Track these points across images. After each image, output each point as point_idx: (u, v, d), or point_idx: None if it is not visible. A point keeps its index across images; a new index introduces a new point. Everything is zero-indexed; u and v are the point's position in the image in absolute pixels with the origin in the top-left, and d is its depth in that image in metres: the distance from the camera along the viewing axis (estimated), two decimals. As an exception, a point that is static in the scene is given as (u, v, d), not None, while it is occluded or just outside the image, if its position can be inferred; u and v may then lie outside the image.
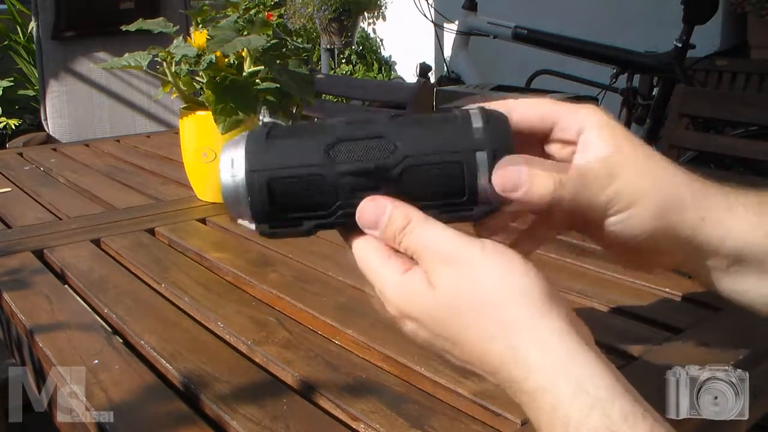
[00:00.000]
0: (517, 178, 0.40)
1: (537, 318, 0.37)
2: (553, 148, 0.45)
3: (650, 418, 0.34)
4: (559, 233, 0.50)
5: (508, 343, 0.37)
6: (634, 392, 0.35)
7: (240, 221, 0.44)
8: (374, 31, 4.96)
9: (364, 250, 0.43)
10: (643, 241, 0.43)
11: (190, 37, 1.01)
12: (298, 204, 0.42)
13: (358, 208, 0.42)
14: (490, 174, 0.41)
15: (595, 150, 0.42)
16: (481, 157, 0.41)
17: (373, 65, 4.81)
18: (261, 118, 0.45)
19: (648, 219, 0.42)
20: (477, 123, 0.42)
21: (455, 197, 0.42)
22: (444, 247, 0.40)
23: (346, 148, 0.42)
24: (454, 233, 0.40)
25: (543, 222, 0.47)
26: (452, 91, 1.00)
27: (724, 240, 0.43)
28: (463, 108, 0.43)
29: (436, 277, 0.39)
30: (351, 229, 0.43)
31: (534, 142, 0.45)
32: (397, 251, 0.42)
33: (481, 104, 0.43)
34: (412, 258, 0.42)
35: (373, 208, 0.42)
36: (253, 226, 0.44)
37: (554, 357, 0.36)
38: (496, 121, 0.42)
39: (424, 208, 0.42)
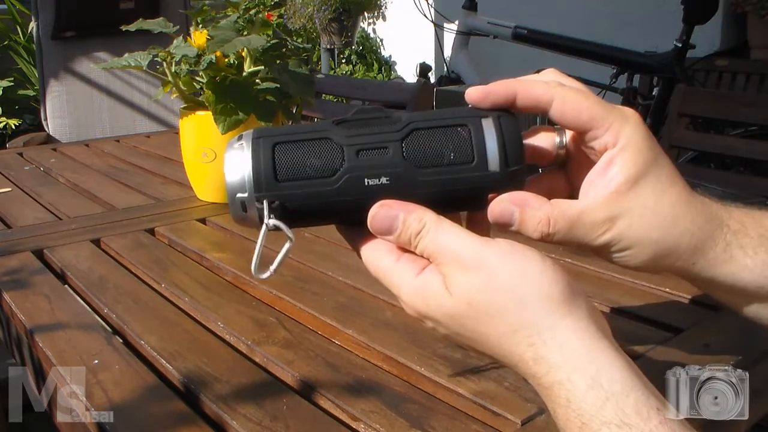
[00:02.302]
0: (509, 216, 0.42)
1: (556, 317, 0.38)
2: (581, 142, 0.45)
3: (664, 412, 0.35)
4: None
5: (528, 342, 0.38)
6: (650, 386, 0.36)
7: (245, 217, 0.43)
8: (374, 31, 4.96)
9: (373, 255, 0.43)
10: (645, 268, 0.44)
11: (190, 37, 1.01)
12: (304, 167, 0.41)
13: (370, 214, 0.41)
14: (498, 141, 0.41)
15: (609, 178, 0.42)
16: (487, 122, 0.42)
17: (373, 65, 4.81)
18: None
19: (641, 260, 0.43)
20: (493, 162, 0.42)
21: (465, 163, 0.41)
22: (460, 251, 0.39)
23: (352, 122, 0.42)
24: (469, 235, 0.40)
25: None
26: (452, 91, 1.00)
27: (721, 278, 0.44)
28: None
29: (453, 282, 0.39)
30: (356, 211, 0.42)
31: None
32: (407, 250, 0.42)
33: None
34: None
35: (385, 213, 0.41)
36: (262, 218, 0.42)
37: (572, 353, 0.37)
38: (513, 153, 0.42)
39: (435, 174, 0.41)
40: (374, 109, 0.43)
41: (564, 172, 0.47)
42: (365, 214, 0.42)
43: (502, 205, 0.42)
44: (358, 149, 0.41)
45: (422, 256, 0.41)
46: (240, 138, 0.43)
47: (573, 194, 0.46)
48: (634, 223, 0.42)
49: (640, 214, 0.42)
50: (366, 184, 0.41)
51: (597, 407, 0.35)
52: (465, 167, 0.41)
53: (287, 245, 0.43)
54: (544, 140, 0.46)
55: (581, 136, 0.43)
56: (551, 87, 0.43)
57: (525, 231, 0.42)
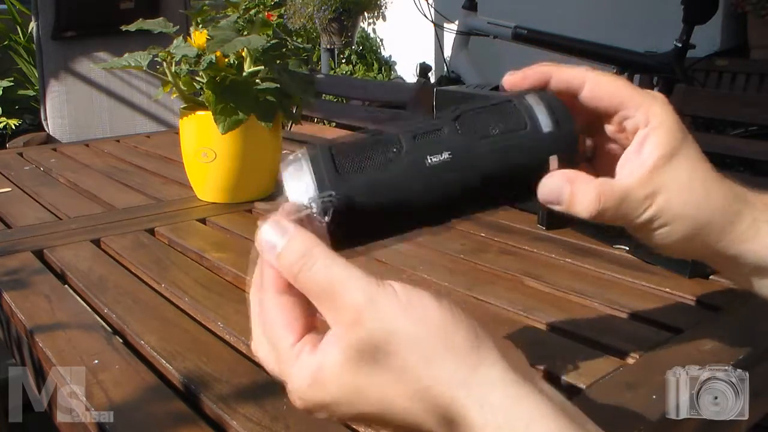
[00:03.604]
0: (559, 193, 0.42)
1: (467, 370, 0.33)
2: (610, 128, 0.46)
3: None
4: None
5: (442, 403, 0.33)
6: (585, 425, 0.33)
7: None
8: (374, 31, 4.96)
9: (271, 315, 0.38)
10: (678, 247, 0.44)
11: (190, 37, 1.01)
12: (363, 157, 0.40)
13: (259, 230, 0.37)
14: (546, 106, 0.42)
15: (645, 155, 0.43)
16: (530, 96, 0.43)
17: (373, 65, 4.81)
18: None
19: (678, 237, 0.43)
20: (546, 124, 0.42)
21: (519, 129, 0.42)
22: (351, 298, 0.34)
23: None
24: (359, 275, 0.35)
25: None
26: (452, 91, 1.00)
27: (744, 255, 0.44)
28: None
29: (348, 344, 0.34)
30: (424, 199, 0.41)
31: (595, 118, 0.46)
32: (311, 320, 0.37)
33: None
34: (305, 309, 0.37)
35: (273, 228, 0.37)
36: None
37: (494, 411, 0.32)
38: (561, 114, 0.43)
39: (493, 143, 0.41)
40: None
41: (590, 164, 0.48)
42: (435, 209, 0.41)
43: (552, 181, 0.42)
44: (413, 134, 0.41)
45: (301, 292, 0.36)
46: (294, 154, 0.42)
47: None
48: (672, 198, 0.43)
49: (676, 189, 0.43)
50: (428, 163, 0.41)
51: None
52: (520, 133, 0.42)
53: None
54: None
55: (611, 118, 0.45)
56: (583, 71, 0.44)
57: (576, 207, 0.42)
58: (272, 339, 0.38)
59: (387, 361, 0.34)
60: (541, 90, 0.44)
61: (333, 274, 0.35)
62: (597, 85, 0.44)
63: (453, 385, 0.33)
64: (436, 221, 0.43)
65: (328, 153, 0.40)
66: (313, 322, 0.37)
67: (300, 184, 0.40)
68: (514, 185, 0.43)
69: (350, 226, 0.40)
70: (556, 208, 0.42)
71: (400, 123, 0.43)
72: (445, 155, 0.41)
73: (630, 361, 0.58)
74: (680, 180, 0.43)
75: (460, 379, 0.33)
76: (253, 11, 1.05)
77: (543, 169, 0.42)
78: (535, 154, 0.42)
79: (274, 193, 1.09)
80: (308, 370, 0.35)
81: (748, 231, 0.43)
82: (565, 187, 0.42)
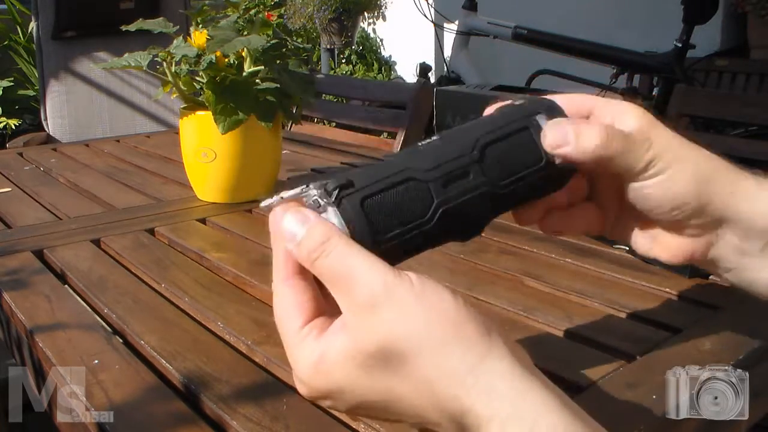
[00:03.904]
0: (564, 133, 0.43)
1: (477, 360, 0.33)
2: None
3: None
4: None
5: (451, 393, 0.33)
6: (588, 421, 0.33)
7: None
8: (374, 31, 4.96)
9: (281, 301, 0.38)
10: (675, 207, 0.44)
11: (190, 37, 1.01)
12: (399, 215, 0.40)
13: (282, 223, 0.38)
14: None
15: (630, 123, 0.44)
16: (541, 118, 0.44)
17: (373, 65, 4.82)
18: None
19: (683, 183, 0.44)
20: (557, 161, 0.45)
21: (536, 163, 0.44)
22: (368, 284, 0.35)
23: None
24: (378, 263, 0.36)
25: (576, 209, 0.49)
26: (452, 91, 1.00)
27: (754, 215, 0.44)
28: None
29: (360, 329, 0.35)
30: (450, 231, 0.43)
31: None
32: (322, 306, 0.38)
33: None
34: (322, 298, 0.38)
35: (294, 217, 0.37)
36: None
37: (502, 401, 0.33)
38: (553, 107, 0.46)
39: (513, 183, 0.43)
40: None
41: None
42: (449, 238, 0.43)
43: (556, 127, 0.43)
44: (444, 181, 0.41)
45: (320, 279, 0.37)
46: (313, 196, 0.38)
47: (591, 192, 0.49)
48: (668, 143, 0.44)
49: (668, 138, 0.44)
50: (453, 208, 0.41)
51: None
52: (538, 168, 0.44)
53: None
54: None
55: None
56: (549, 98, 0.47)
57: (582, 146, 0.42)
58: (280, 321, 0.38)
59: (396, 351, 0.34)
60: (549, 101, 0.46)
61: (351, 261, 0.35)
62: (563, 100, 0.46)
63: (461, 373, 0.33)
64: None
65: (359, 207, 0.38)
66: (323, 307, 0.38)
67: None
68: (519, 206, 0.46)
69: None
70: (563, 150, 0.43)
71: (419, 153, 0.42)
72: (469, 195, 0.42)
73: (630, 361, 0.58)
74: (669, 135, 0.44)
75: (468, 367, 0.33)
76: (253, 11, 1.05)
77: (548, 190, 0.46)
78: (548, 184, 0.45)
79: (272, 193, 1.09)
80: (313, 356, 0.36)
81: (753, 188, 0.44)
82: (570, 128, 0.43)
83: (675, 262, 0.47)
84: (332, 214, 0.38)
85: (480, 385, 0.33)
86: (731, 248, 0.46)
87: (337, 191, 0.38)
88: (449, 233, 0.42)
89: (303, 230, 0.37)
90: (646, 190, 0.44)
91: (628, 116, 0.45)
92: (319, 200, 0.38)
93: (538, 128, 0.44)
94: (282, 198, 0.39)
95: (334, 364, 0.35)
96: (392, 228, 0.39)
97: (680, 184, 0.44)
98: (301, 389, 0.37)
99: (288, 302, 0.38)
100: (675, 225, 0.46)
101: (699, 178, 0.44)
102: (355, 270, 0.35)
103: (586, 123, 0.44)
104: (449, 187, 0.41)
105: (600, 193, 0.49)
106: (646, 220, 0.47)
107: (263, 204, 0.39)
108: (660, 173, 0.44)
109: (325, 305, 0.38)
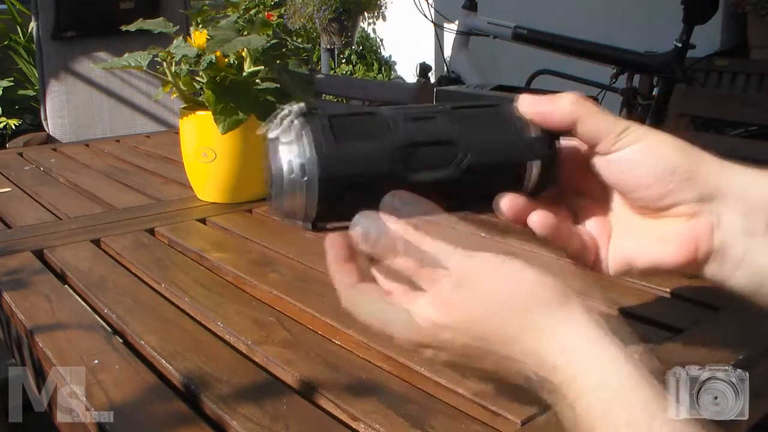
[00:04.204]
0: (541, 98, 0.44)
1: (556, 321, 0.38)
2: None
3: (669, 410, 0.35)
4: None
5: (531, 348, 0.38)
6: (655, 384, 0.37)
7: (286, 219, 0.43)
8: (374, 31, 4.96)
9: (353, 299, 0.43)
10: (666, 173, 0.43)
11: (190, 37, 1.01)
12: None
13: (354, 228, 0.42)
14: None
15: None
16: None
17: (373, 65, 4.81)
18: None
19: (667, 148, 0.44)
20: (533, 129, 0.45)
21: (507, 130, 0.45)
22: (454, 263, 0.40)
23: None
24: (455, 246, 0.41)
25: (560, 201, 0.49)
26: (452, 91, 1.00)
27: (750, 187, 0.44)
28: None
29: (450, 299, 0.40)
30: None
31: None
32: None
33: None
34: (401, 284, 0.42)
35: (365, 219, 0.41)
36: (300, 224, 0.43)
37: (576, 354, 0.37)
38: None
39: (478, 133, 0.44)
40: (431, 117, 0.44)
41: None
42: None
43: (532, 95, 0.44)
44: (412, 117, 0.43)
45: (405, 269, 0.41)
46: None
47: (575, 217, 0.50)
48: (645, 129, 0.44)
49: (646, 131, 0.44)
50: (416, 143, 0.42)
51: (605, 407, 0.35)
52: (510, 133, 0.44)
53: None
54: None
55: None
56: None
57: (559, 103, 0.43)
58: (358, 295, 0.43)
59: (485, 311, 0.39)
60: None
61: (437, 248, 0.40)
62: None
63: (544, 332, 0.38)
64: None
65: (327, 120, 0.42)
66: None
67: (294, 145, 0.41)
68: (492, 184, 0.45)
69: (330, 196, 0.41)
70: (540, 108, 0.44)
71: (397, 106, 0.44)
72: (432, 138, 0.43)
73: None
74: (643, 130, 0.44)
75: (550, 327, 0.38)
76: (253, 11, 1.05)
77: (523, 172, 0.45)
78: (519, 155, 0.45)
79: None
80: (408, 319, 0.40)
81: (738, 166, 0.44)
82: (546, 95, 0.44)
83: (682, 258, 0.44)
84: (312, 187, 0.41)
85: (557, 342, 0.38)
86: (737, 230, 0.43)
87: (308, 109, 0.42)
88: (405, 170, 0.42)
89: (375, 229, 0.41)
90: (631, 157, 0.44)
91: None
92: (293, 115, 0.42)
93: (511, 106, 0.45)
94: (276, 117, 0.42)
95: (432, 327, 0.40)
96: (354, 137, 0.42)
97: (664, 148, 0.43)
98: (401, 343, 0.42)
99: (364, 297, 0.43)
100: (669, 206, 0.44)
101: (681, 147, 0.44)
102: (441, 256, 0.40)
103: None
104: (412, 123, 0.43)
105: (583, 210, 0.49)
106: (638, 221, 0.46)
107: (266, 131, 0.43)
108: (639, 140, 0.43)
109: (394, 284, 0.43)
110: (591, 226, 0.48)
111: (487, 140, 0.44)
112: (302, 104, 0.42)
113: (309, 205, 0.41)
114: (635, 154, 0.43)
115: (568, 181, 0.48)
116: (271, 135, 0.42)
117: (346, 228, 0.43)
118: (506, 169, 0.45)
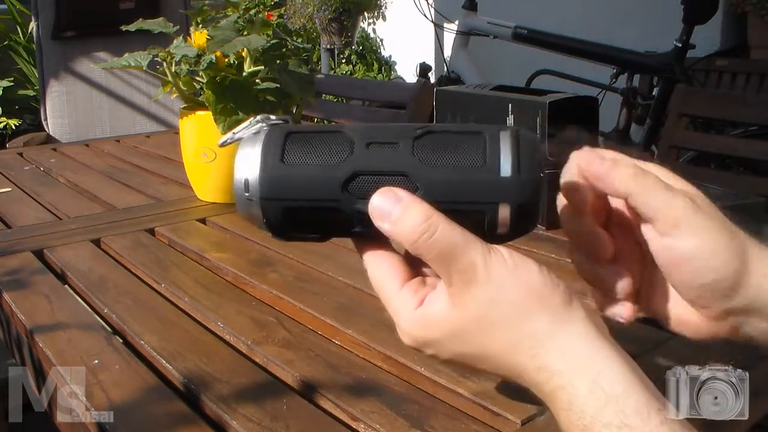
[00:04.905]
0: (601, 159, 0.41)
1: (557, 325, 0.38)
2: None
3: (664, 412, 0.36)
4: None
5: (531, 353, 0.38)
6: (650, 386, 0.37)
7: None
8: (374, 31, 4.96)
9: (377, 275, 0.42)
10: (712, 281, 0.42)
11: (190, 37, 1.01)
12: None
13: (371, 201, 0.39)
14: (513, 149, 0.40)
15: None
16: (505, 133, 0.40)
17: (373, 65, 4.81)
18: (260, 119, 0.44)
19: (722, 245, 0.41)
20: (506, 167, 0.39)
21: (476, 166, 0.40)
22: (469, 260, 0.38)
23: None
24: (474, 238, 0.39)
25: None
26: (452, 91, 1.00)
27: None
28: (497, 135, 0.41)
29: (462, 299, 0.39)
30: (364, 240, 0.42)
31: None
32: (411, 275, 0.42)
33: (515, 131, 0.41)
34: (424, 273, 0.42)
35: (386, 196, 0.39)
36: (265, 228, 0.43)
37: (573, 358, 0.37)
38: (527, 163, 0.40)
39: (437, 168, 0.40)
40: (387, 144, 0.41)
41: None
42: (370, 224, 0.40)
43: (589, 156, 0.41)
44: (369, 141, 0.41)
45: (421, 259, 0.40)
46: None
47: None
48: (701, 219, 0.41)
49: (701, 221, 0.41)
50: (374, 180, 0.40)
51: (598, 409, 0.35)
52: (474, 170, 0.39)
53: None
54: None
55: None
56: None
57: (618, 175, 0.40)
58: (381, 285, 0.42)
59: (491, 320, 0.39)
60: (525, 129, 0.42)
61: (454, 239, 0.38)
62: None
63: (545, 337, 0.38)
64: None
65: (282, 138, 0.41)
66: (410, 269, 0.42)
67: (246, 159, 0.42)
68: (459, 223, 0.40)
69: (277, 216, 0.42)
70: (595, 170, 0.41)
71: (368, 125, 0.42)
72: (387, 167, 0.40)
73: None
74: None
75: (551, 332, 0.38)
76: (253, 11, 1.05)
77: (493, 214, 0.40)
78: (485, 196, 0.40)
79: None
80: (416, 314, 0.40)
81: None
82: (601, 152, 0.42)
83: (696, 336, 0.46)
84: (256, 204, 0.41)
85: (557, 347, 0.38)
86: (759, 332, 0.44)
87: (275, 123, 0.43)
88: (351, 197, 0.40)
89: (397, 209, 0.39)
90: (683, 252, 0.41)
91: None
92: (259, 126, 0.42)
93: (495, 138, 0.40)
94: (234, 134, 0.43)
95: (437, 322, 0.40)
96: (304, 159, 0.41)
97: (717, 247, 0.40)
98: (405, 339, 0.41)
99: (385, 270, 0.42)
100: (700, 306, 0.44)
101: (733, 245, 0.41)
102: (458, 248, 0.38)
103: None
104: (370, 149, 0.40)
105: (624, 255, 0.46)
106: (664, 291, 0.46)
107: (220, 142, 0.45)
108: (694, 236, 0.40)
109: (410, 268, 0.42)
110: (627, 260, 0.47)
111: (444, 176, 0.39)
112: (272, 116, 0.43)
113: (258, 219, 0.42)
114: (689, 249, 0.41)
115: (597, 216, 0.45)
116: (237, 139, 0.43)
117: (315, 239, 0.43)
118: (463, 210, 0.40)
